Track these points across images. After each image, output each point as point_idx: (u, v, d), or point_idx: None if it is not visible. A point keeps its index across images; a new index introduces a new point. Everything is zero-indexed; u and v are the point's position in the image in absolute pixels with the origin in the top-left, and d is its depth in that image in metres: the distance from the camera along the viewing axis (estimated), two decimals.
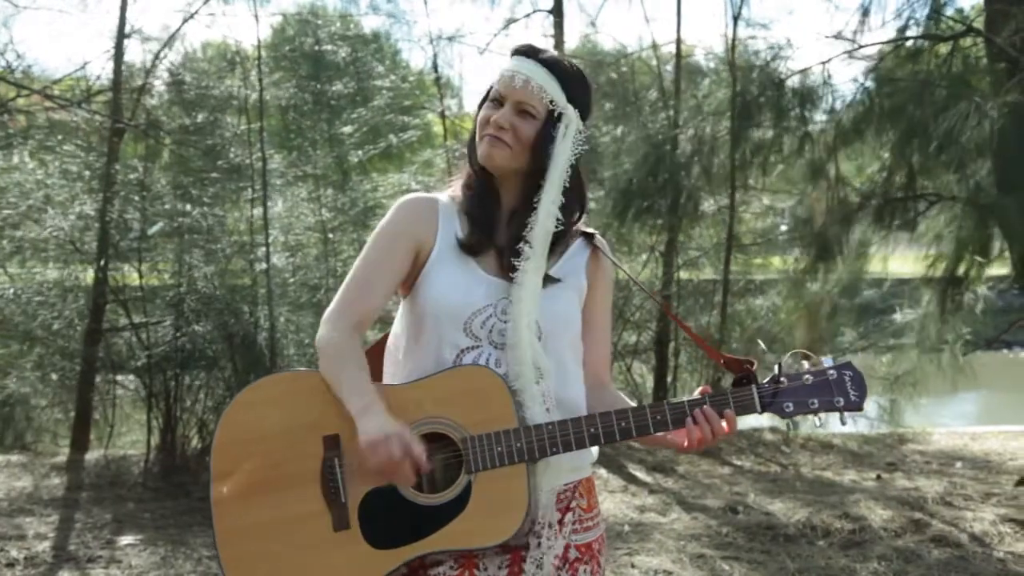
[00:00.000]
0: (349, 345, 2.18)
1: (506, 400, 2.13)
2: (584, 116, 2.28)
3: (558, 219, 2.23)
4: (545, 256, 2.22)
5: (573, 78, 2.26)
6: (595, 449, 2.28)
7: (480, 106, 2.29)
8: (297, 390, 2.20)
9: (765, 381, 2.20)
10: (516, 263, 2.20)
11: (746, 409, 2.19)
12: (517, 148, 2.21)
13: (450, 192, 2.35)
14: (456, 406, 2.14)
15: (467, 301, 2.21)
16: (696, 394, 2.21)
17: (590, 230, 2.39)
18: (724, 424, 2.17)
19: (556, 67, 2.24)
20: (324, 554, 2.11)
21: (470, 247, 2.24)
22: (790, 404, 2.19)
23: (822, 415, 2.20)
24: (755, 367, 2.21)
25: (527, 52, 2.25)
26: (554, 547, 2.20)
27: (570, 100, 2.24)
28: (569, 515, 2.26)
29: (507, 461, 2.10)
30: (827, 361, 2.23)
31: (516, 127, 2.20)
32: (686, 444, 2.19)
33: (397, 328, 2.32)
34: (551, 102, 2.21)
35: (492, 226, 2.26)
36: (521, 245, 2.20)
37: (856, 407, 2.19)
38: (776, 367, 2.20)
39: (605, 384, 2.40)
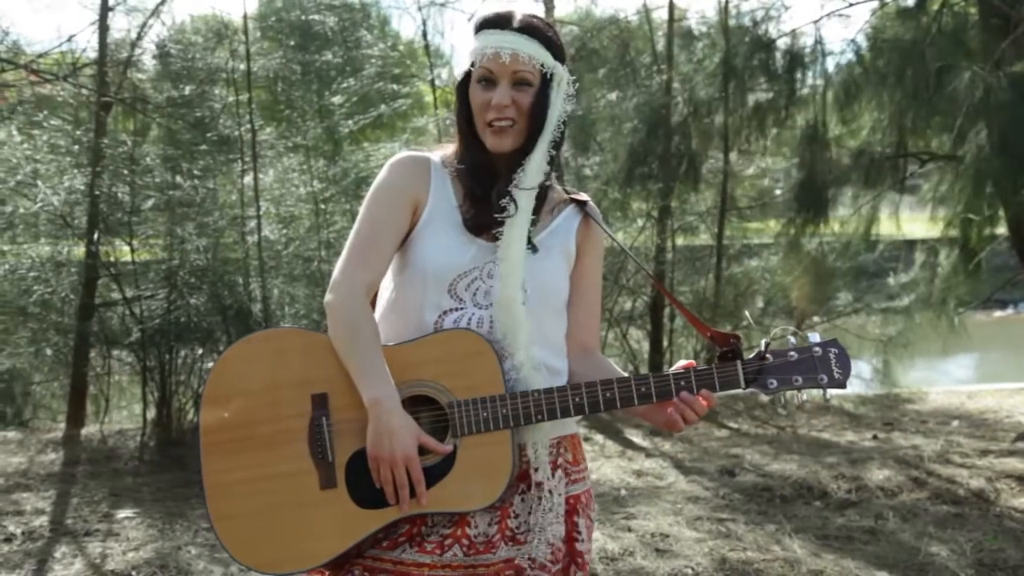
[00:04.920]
0: (364, 316, 2.17)
1: (493, 365, 2.14)
2: (564, 62, 2.27)
3: (545, 173, 2.25)
4: (530, 212, 2.23)
5: (548, 33, 2.25)
6: None
7: (460, 86, 2.27)
8: (287, 347, 2.20)
9: (750, 356, 2.21)
10: (500, 219, 2.21)
11: (730, 385, 2.19)
12: (522, 122, 2.21)
13: (441, 153, 2.34)
14: (445, 370, 2.15)
15: (454, 263, 2.21)
16: (680, 367, 2.21)
17: (582, 197, 2.38)
18: (702, 402, 2.17)
19: (533, 30, 2.22)
20: (311, 512, 2.12)
21: (475, 227, 2.23)
22: (774, 380, 2.19)
23: (805, 392, 2.21)
24: (740, 342, 2.21)
25: (499, 23, 2.22)
26: (547, 507, 2.20)
27: (555, 58, 2.24)
28: (558, 472, 2.26)
29: (492, 427, 2.12)
30: (813, 338, 2.23)
31: (517, 101, 2.20)
32: (667, 423, 2.20)
33: (385, 280, 2.31)
34: (542, 66, 2.21)
35: (492, 201, 2.24)
36: (505, 201, 2.21)
37: (839, 384, 2.20)
38: (762, 343, 2.20)
39: (592, 352, 2.38)
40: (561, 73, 2.24)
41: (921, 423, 8.63)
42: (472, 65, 2.23)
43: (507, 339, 2.18)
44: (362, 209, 2.27)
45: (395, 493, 2.09)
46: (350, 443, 2.12)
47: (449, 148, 2.34)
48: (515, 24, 2.22)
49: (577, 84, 2.29)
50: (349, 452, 2.13)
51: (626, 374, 2.28)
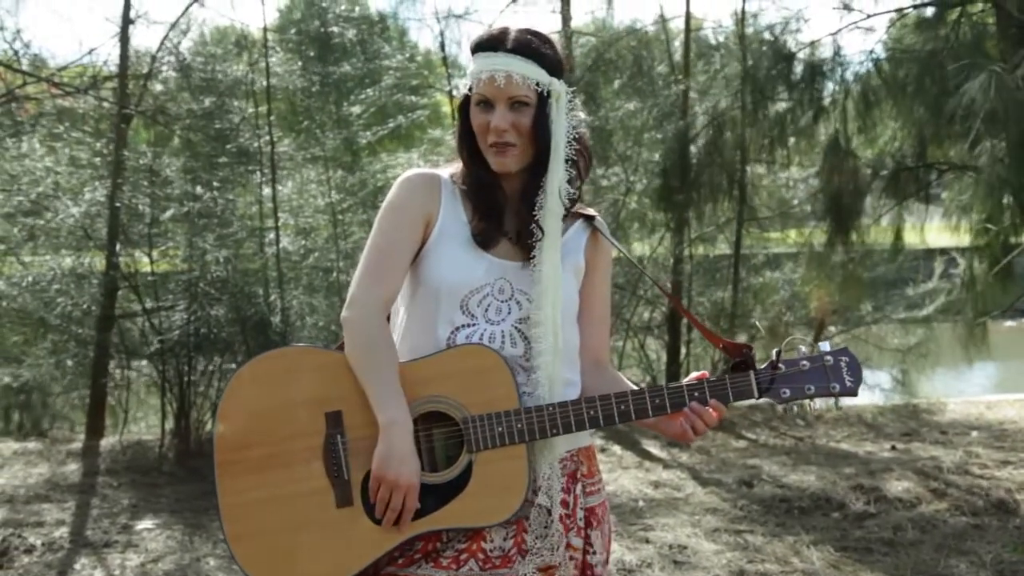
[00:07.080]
0: (381, 334, 2.19)
1: (508, 380, 2.16)
2: (562, 75, 2.28)
3: (568, 192, 2.26)
4: (559, 234, 2.25)
5: (543, 49, 2.24)
6: None
7: (461, 109, 2.30)
8: (300, 365, 2.20)
9: (763, 366, 2.24)
10: (531, 243, 2.23)
11: (743, 395, 2.22)
12: (523, 143, 2.23)
13: (450, 170, 2.36)
14: (458, 385, 2.15)
15: (466, 280, 2.23)
16: (693, 378, 2.24)
17: (590, 212, 2.40)
18: (712, 412, 2.20)
19: (526, 49, 2.22)
20: (328, 530, 2.12)
21: (484, 242, 2.25)
22: (787, 390, 2.22)
23: (817, 400, 2.25)
24: (753, 352, 2.24)
25: (493, 45, 2.23)
26: (556, 523, 2.22)
27: (551, 74, 2.24)
28: (578, 485, 2.28)
29: (507, 441, 2.13)
30: (824, 347, 2.26)
31: (516, 123, 2.21)
32: (677, 434, 2.23)
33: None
34: (537, 84, 2.22)
35: (501, 217, 2.28)
36: (533, 228, 2.23)
37: (851, 392, 2.24)
38: (773, 353, 2.23)
39: (604, 366, 2.41)
40: (559, 89, 2.24)
41: (940, 434, 8.58)
42: (470, 89, 2.25)
43: (542, 357, 2.20)
44: (374, 226, 2.29)
45: (387, 514, 2.10)
46: (365, 461, 2.13)
47: (458, 165, 2.36)
48: (508, 45, 2.22)
49: (574, 99, 2.28)
50: (365, 469, 2.13)
51: (635, 386, 2.30)
